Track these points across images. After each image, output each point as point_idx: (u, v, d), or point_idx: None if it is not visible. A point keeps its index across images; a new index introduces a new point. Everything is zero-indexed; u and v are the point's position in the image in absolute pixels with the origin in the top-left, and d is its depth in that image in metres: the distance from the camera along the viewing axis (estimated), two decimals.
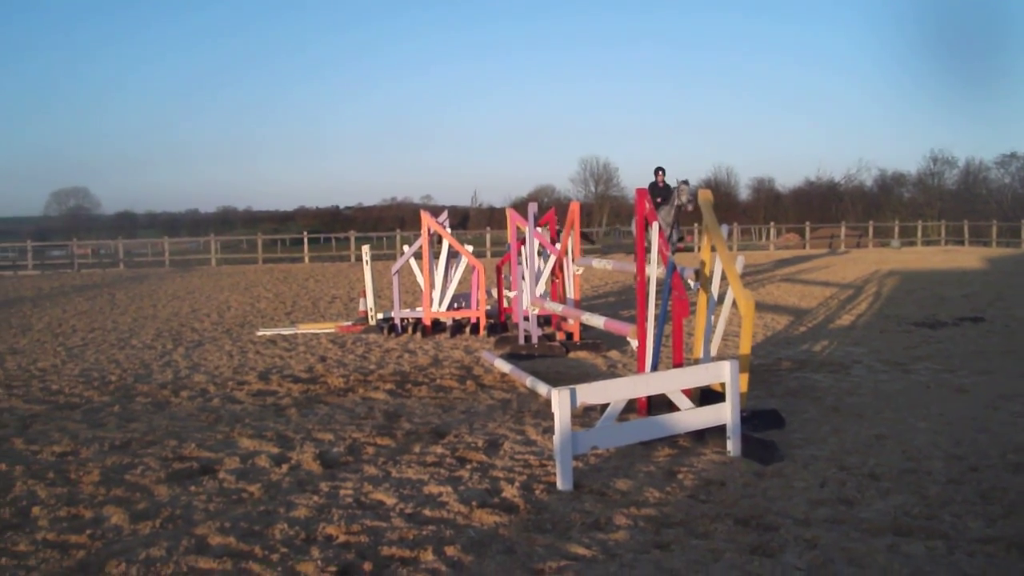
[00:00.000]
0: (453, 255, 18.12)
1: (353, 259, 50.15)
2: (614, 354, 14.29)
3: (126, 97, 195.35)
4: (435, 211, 19.16)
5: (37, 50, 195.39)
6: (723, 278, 9.90)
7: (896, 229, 60.07)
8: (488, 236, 51.35)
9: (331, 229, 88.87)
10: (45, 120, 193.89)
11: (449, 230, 18.21)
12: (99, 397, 11.97)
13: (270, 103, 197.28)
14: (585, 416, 9.63)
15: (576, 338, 15.13)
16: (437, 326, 17.66)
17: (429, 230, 17.70)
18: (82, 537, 6.62)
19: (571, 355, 14.28)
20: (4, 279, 42.31)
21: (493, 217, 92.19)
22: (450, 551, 6.03)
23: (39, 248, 61.29)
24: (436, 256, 18.10)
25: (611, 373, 12.75)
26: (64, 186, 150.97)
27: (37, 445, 9.44)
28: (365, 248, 19.73)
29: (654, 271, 9.86)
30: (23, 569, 6.05)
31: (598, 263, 13.96)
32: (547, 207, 16.28)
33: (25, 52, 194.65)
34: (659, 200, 24.78)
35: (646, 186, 23.83)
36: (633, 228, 26.24)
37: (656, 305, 9.82)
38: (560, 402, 7.42)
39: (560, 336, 15.36)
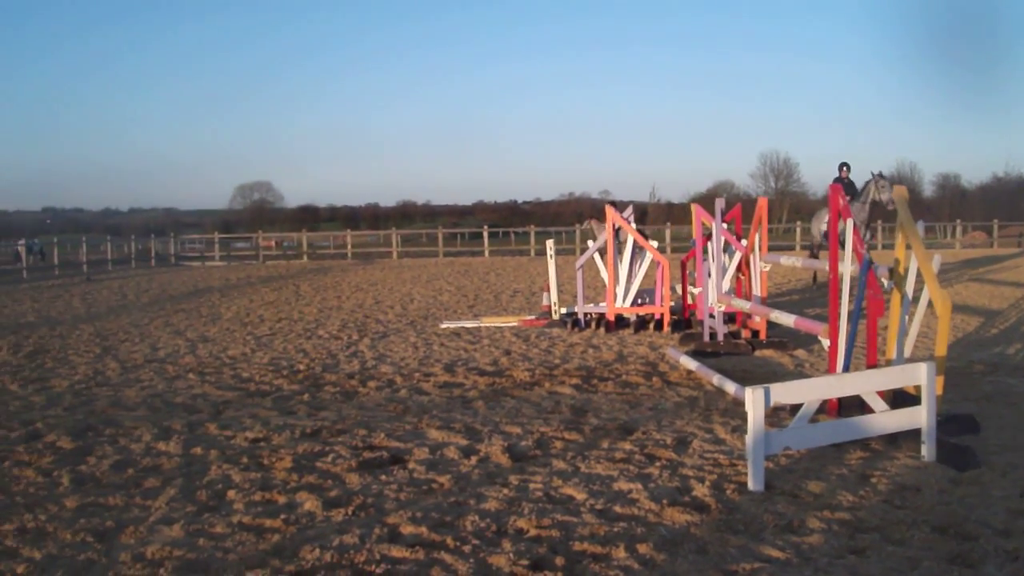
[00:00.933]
0: (637, 250, 18.01)
1: (533, 253, 50.31)
2: (800, 353, 14.06)
3: (306, 94, 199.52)
4: (621, 206, 19.10)
5: (227, 53, 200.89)
6: (918, 277, 9.63)
7: None
8: (668, 232, 51.07)
9: (509, 224, 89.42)
10: (230, 117, 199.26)
11: (634, 225, 18.14)
12: (288, 385, 12.23)
13: (446, 98, 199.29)
14: (773, 416, 9.47)
15: (762, 336, 14.91)
16: (620, 321, 17.59)
17: (614, 225, 17.64)
18: (276, 521, 6.75)
19: (757, 353, 14.09)
20: (193, 269, 43.60)
21: (671, 213, 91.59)
22: (642, 549, 5.97)
23: (225, 240, 63.02)
24: (620, 251, 18.02)
25: (798, 372, 12.54)
26: (248, 180, 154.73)
27: (230, 431, 9.68)
28: (549, 243, 19.74)
29: (847, 268, 9.64)
30: (220, 551, 6.18)
31: (786, 260, 13.73)
32: (730, 203, 16.06)
33: (213, 55, 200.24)
34: (849, 198, 24.37)
35: (830, 182, 23.49)
36: (821, 225, 25.83)
37: (849, 303, 9.62)
38: (754, 401, 7.31)
39: (745, 334, 15.15)
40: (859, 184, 24.50)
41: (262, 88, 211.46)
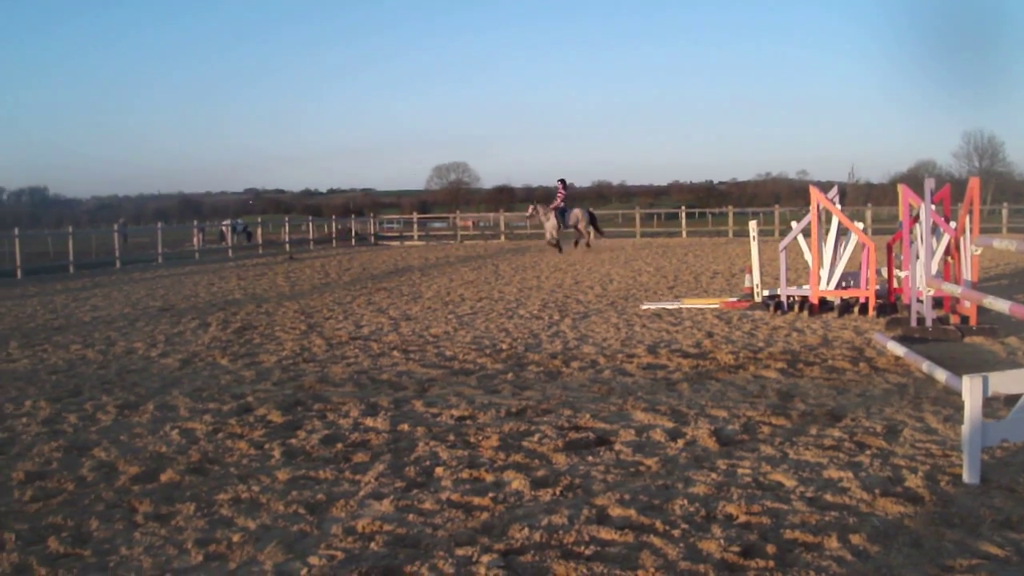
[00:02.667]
0: (842, 232, 17.63)
1: (731, 234, 49.75)
2: (1013, 340, 13.55)
3: (501, 76, 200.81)
4: (826, 187, 18.73)
5: (427, 38, 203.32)
6: None
7: None
8: (868, 213, 49.95)
9: (705, 204, 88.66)
10: (428, 99, 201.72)
11: (840, 206, 17.76)
12: (492, 364, 12.32)
13: (639, 77, 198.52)
14: (986, 407, 9.14)
15: (972, 322, 14.43)
16: (824, 305, 17.25)
17: (819, 206, 17.30)
18: (484, 499, 6.79)
19: (966, 340, 13.65)
20: (392, 249, 44.26)
21: (871, 194, 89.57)
22: (855, 539, 5.82)
23: (423, 220, 63.79)
24: (825, 233, 17.66)
25: (1011, 361, 12.08)
26: (445, 161, 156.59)
27: (436, 408, 9.80)
28: (752, 223, 19.49)
29: None
30: (430, 527, 6.24)
31: (1000, 243, 13.26)
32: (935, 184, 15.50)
33: (413, 39, 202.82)
34: None
35: None
36: None
37: None
38: (971, 390, 7.07)
39: (954, 319, 14.71)
40: None
41: (459, 71, 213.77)
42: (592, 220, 39.77)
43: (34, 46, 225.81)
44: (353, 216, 63.25)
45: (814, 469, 7.38)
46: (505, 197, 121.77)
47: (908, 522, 6.18)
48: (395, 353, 13.39)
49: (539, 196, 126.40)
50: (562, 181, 40.36)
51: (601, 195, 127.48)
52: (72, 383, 11.77)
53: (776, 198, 77.92)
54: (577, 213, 39.42)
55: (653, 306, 18.35)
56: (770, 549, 5.69)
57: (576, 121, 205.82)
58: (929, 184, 14.35)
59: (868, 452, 7.86)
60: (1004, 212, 51.66)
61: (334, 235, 55.34)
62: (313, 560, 5.69)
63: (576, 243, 39.61)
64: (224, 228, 55.11)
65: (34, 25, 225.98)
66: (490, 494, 6.89)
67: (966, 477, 7.06)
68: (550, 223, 38.35)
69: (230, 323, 17.44)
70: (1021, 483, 7.00)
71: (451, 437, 8.58)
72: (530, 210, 39.48)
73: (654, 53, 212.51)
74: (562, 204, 38.58)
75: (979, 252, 14.04)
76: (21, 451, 8.54)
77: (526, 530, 6.08)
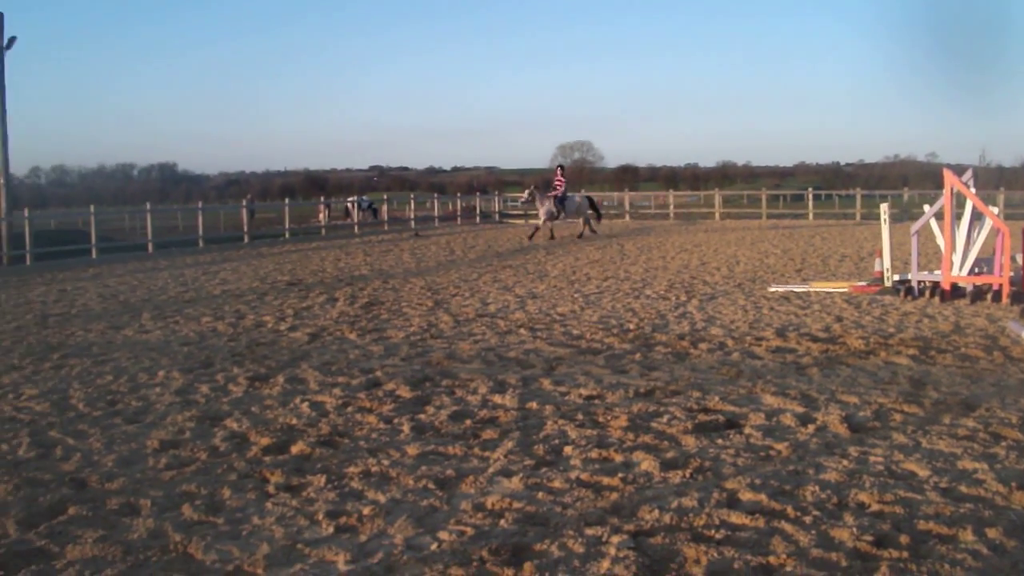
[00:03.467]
0: (977, 217, 17.24)
1: (859, 217, 48.98)
2: None
3: (626, 52, 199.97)
4: (958, 170, 18.32)
5: (549, 13, 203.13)
6: None
7: None
8: (1000, 197, 48.82)
9: (831, 186, 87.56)
10: (553, 76, 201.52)
11: (974, 190, 17.37)
12: (619, 344, 12.29)
13: (765, 55, 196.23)
14: None
15: None
16: (956, 291, 16.89)
17: (952, 189, 16.94)
18: (614, 480, 6.79)
19: None
20: (516, 227, 44.32)
21: (1003, 177, 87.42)
22: (991, 533, 5.69)
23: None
24: (958, 217, 17.29)
25: None
26: (569, 139, 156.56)
27: (564, 387, 9.81)
28: (884, 206, 19.14)
29: None
30: (559, 505, 6.26)
31: None
32: None
33: (536, 15, 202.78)
34: None
35: None
36: None
37: None
38: None
39: None
40: None
41: (585, 49, 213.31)
42: (593, 205, 38.43)
43: (166, 28, 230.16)
44: (478, 193, 63.31)
45: (948, 459, 7.24)
46: (629, 176, 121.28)
47: None
48: (522, 331, 13.43)
49: (664, 175, 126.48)
50: (560, 167, 39.08)
51: (726, 175, 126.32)
52: (203, 355, 12.01)
53: (904, 180, 76.60)
54: (579, 200, 38.02)
55: (781, 289, 18.16)
56: (903, 540, 5.60)
57: (701, 101, 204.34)
58: None
59: (1003, 444, 7.68)
60: None
61: (458, 212, 55.64)
62: (443, 535, 5.75)
63: (580, 235, 37.05)
64: (349, 204, 55.55)
65: (166, 8, 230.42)
66: (619, 474, 6.89)
67: None
68: (545, 208, 36.26)
69: (357, 298, 17.63)
70: None
71: (579, 416, 8.59)
72: (526, 194, 37.80)
73: (781, 32, 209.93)
74: (561, 192, 36.26)
75: None
76: (155, 420, 8.75)
77: (656, 512, 6.06)
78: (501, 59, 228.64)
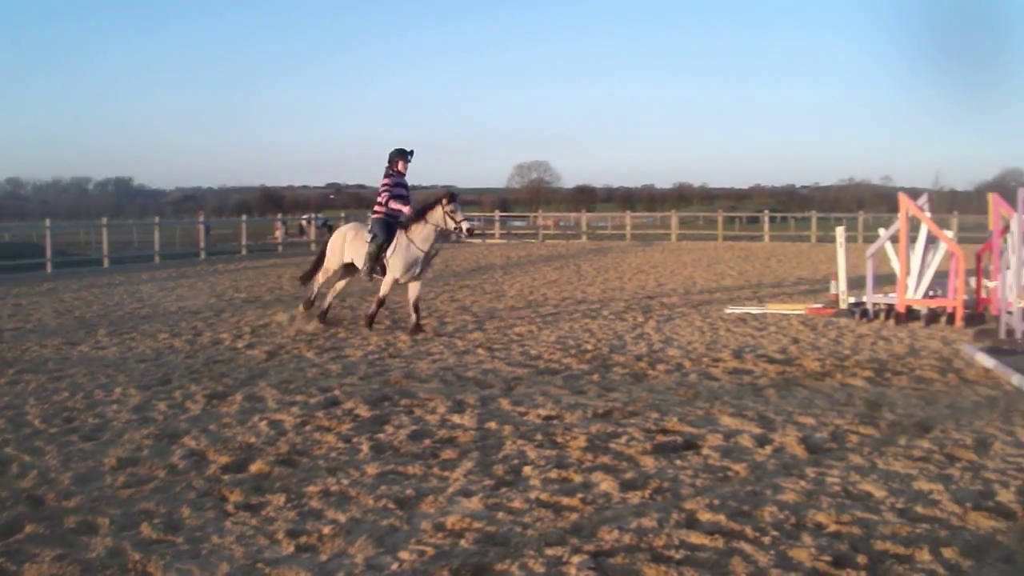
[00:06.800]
0: (931, 240, 17.42)
1: (814, 239, 49.34)
2: None
3: (583, 75, 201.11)
4: (912, 194, 18.49)
5: (505, 42, 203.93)
6: None
7: None
8: (954, 221, 49.23)
9: (787, 208, 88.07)
10: (510, 96, 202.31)
11: (929, 214, 17.54)
12: (578, 365, 12.33)
13: (722, 77, 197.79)
14: None
15: None
16: (911, 314, 17.05)
17: (907, 213, 17.11)
18: (573, 500, 6.81)
19: None
20: (474, 246, 44.39)
21: (955, 201, 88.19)
22: (947, 553, 5.76)
23: (504, 218, 63.85)
24: (913, 240, 17.46)
25: None
26: (527, 159, 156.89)
27: (523, 407, 9.84)
28: (840, 229, 19.35)
29: None
30: (519, 525, 6.27)
31: None
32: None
33: (495, 41, 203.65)
34: None
35: None
36: None
37: None
38: None
39: None
40: None
41: (539, 69, 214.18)
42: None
43: (123, 41, 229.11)
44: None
45: (904, 480, 7.32)
46: (586, 197, 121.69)
47: (1000, 537, 6.12)
48: (480, 351, 13.45)
49: (621, 195, 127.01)
50: (403, 156, 16.68)
51: (683, 197, 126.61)
52: (161, 372, 11.94)
53: (859, 203, 77.21)
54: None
55: (738, 310, 18.29)
56: (861, 560, 5.66)
57: (659, 122, 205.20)
58: (1023, 194, 14.13)
59: (959, 465, 7.78)
60: None
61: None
62: (403, 555, 5.74)
63: (416, 327, 15.82)
64: (304, 222, 55.51)
65: (113, 13, 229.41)
66: (579, 495, 6.91)
67: None
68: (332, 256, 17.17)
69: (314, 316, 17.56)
70: None
71: (538, 436, 8.60)
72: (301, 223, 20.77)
73: (739, 54, 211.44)
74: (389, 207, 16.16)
75: None
76: (112, 437, 8.69)
77: (616, 532, 6.09)
78: (459, 77, 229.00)
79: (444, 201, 15.38)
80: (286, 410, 9.73)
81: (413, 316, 15.64)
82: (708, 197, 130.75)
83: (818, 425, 9.02)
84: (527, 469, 7.57)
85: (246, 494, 6.99)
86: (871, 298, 17.51)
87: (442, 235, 15.78)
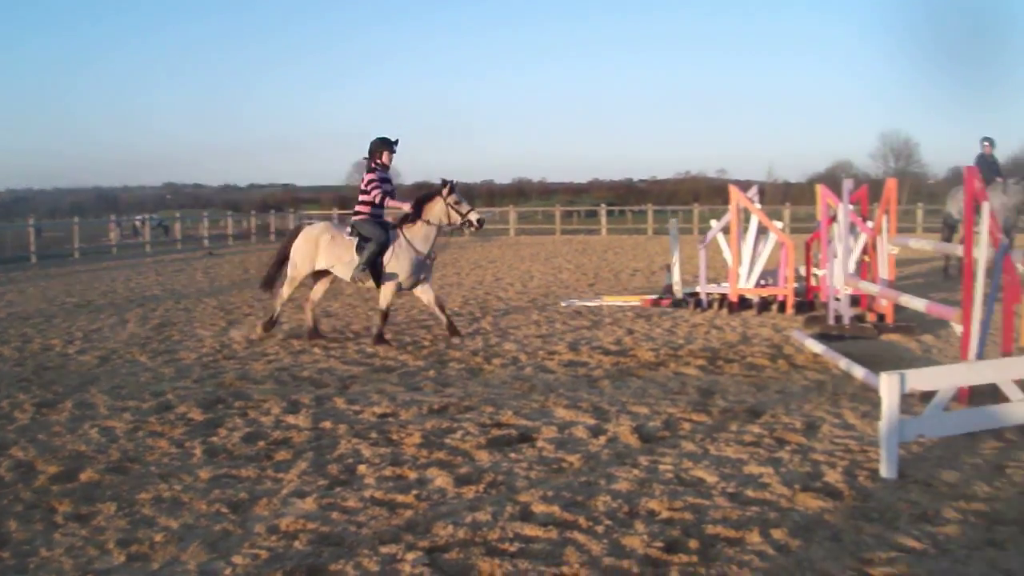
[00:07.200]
0: (762, 231, 17.81)
1: (651, 232, 50.05)
2: (928, 338, 13.74)
3: (416, 74, 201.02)
4: (744, 186, 18.86)
5: (333, 39, 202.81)
6: None
7: None
8: (786, 212, 50.35)
9: (625, 202, 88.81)
10: (346, 93, 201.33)
11: (759, 206, 17.92)
12: (413, 361, 12.31)
13: (559, 75, 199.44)
14: (903, 403, 9.27)
15: (889, 319, 14.61)
16: (743, 303, 17.39)
17: (738, 205, 17.45)
18: (408, 497, 6.80)
19: (883, 337, 13.82)
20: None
21: (789, 193, 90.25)
22: (776, 534, 5.90)
23: (343, 215, 63.49)
24: (744, 231, 17.81)
25: (926, 358, 12.26)
26: (363, 157, 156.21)
27: (358, 405, 9.79)
28: (673, 221, 19.70)
29: (983, 253, 9.38)
30: (354, 525, 6.25)
31: (916, 243, 13.47)
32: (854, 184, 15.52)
33: (324, 39, 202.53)
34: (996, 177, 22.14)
35: (972, 162, 22.04)
36: (951, 208, 24.32)
37: (984, 289, 9.36)
38: (889, 387, 7.19)
39: (871, 317, 14.90)
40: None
41: (375, 69, 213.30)
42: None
43: None
44: (273, 211, 62.72)
45: (735, 465, 7.47)
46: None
47: (828, 516, 6.28)
48: (316, 350, 13.34)
49: (460, 191, 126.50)
50: (386, 146, 14.74)
51: (521, 192, 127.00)
52: None
53: (695, 196, 78.36)
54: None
55: (574, 303, 18.43)
56: (693, 544, 5.76)
57: (496, 118, 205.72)
58: (847, 184, 14.49)
59: (788, 448, 7.96)
60: (919, 212, 52.20)
61: (253, 231, 54.87)
62: (237, 559, 5.68)
63: (451, 327, 14.97)
64: (138, 223, 54.57)
65: None
66: (413, 491, 6.90)
67: (884, 472, 7.18)
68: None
69: (149, 319, 17.26)
70: (937, 477, 7.11)
71: (373, 434, 8.57)
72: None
73: (571, 50, 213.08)
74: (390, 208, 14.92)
75: (896, 251, 14.21)
76: None
77: (450, 527, 6.10)
78: (295, 75, 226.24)
79: (444, 192, 14.08)
80: (118, 416, 9.52)
81: (442, 317, 14.34)
82: (547, 192, 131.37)
83: (651, 414, 9.15)
84: (362, 468, 7.54)
85: (76, 504, 6.83)
86: (704, 288, 17.82)
87: (442, 233, 14.68)
